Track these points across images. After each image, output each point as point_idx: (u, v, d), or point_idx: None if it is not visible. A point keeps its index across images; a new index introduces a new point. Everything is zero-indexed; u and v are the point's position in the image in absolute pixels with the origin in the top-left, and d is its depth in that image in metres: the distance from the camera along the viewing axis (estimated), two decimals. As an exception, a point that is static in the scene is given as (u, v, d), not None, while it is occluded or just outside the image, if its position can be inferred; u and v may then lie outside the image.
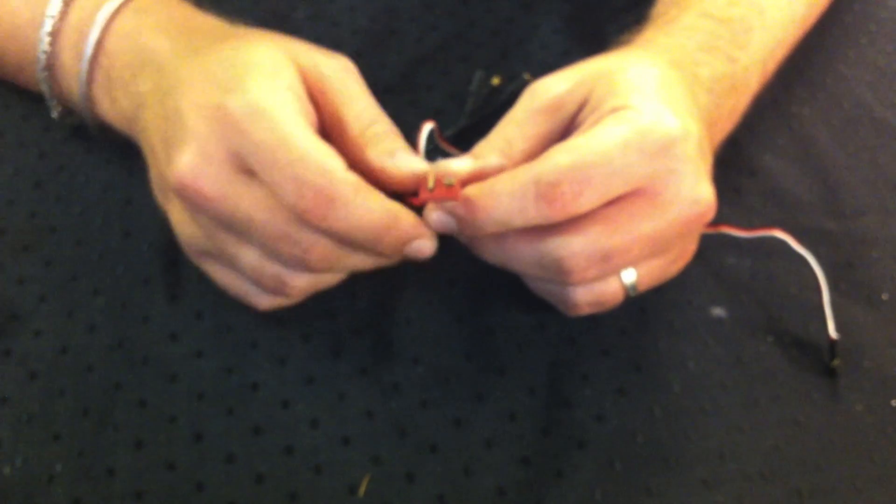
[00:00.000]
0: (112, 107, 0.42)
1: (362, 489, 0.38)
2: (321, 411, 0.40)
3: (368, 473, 0.38)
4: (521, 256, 0.37)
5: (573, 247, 0.36)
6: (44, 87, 0.44)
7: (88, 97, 0.42)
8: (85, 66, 0.41)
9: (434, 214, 0.37)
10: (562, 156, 0.35)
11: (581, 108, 0.38)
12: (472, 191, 0.36)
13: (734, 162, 0.49)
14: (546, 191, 0.34)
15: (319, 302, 0.42)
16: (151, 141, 0.38)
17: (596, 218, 0.36)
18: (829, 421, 0.41)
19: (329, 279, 0.39)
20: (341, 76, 0.38)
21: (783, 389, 0.42)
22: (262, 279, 0.38)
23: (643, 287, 0.39)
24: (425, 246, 0.37)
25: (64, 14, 0.42)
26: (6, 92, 0.49)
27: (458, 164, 0.38)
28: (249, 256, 0.37)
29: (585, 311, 0.39)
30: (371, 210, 0.34)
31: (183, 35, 0.40)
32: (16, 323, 0.42)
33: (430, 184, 0.36)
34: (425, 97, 0.51)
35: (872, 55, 0.55)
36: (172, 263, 0.43)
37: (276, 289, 0.38)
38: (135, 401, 0.40)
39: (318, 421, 0.40)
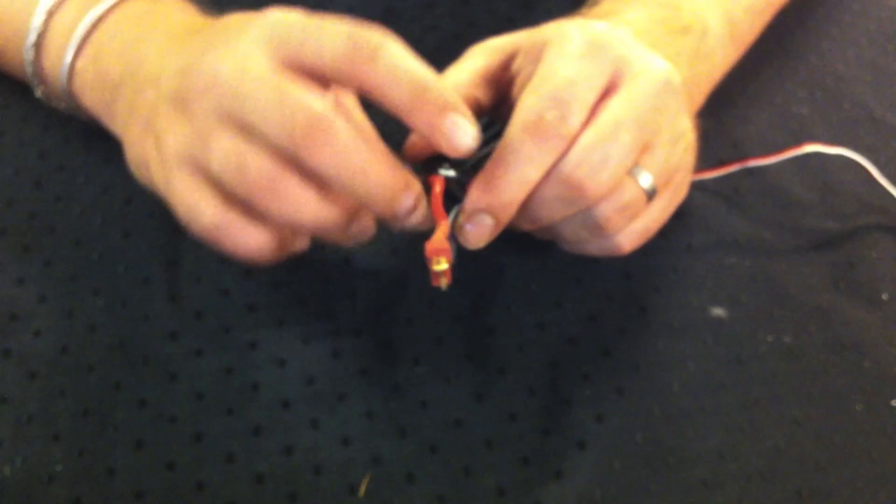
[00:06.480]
0: (97, 67, 0.42)
1: (362, 489, 0.38)
2: (321, 411, 0.40)
3: (368, 473, 0.38)
4: (545, 201, 0.38)
5: (573, 160, 0.37)
6: (28, 68, 0.44)
7: (72, 68, 0.43)
8: (75, 43, 0.42)
9: (467, 226, 0.38)
10: (531, 97, 0.37)
11: (513, 57, 0.41)
12: (483, 177, 0.37)
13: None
14: (535, 128, 0.36)
15: (320, 302, 0.42)
16: (154, 124, 0.37)
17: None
18: (829, 421, 0.41)
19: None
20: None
21: (783, 389, 0.42)
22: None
23: (660, 181, 0.39)
24: (416, 212, 0.36)
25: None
26: (6, 92, 0.49)
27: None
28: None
29: (619, 225, 0.39)
30: (361, 150, 0.33)
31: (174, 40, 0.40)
32: (16, 323, 0.42)
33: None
34: (425, 97, 0.50)
35: (872, 55, 0.55)
36: (172, 263, 0.43)
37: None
38: (135, 401, 0.40)
39: (318, 421, 0.40)
